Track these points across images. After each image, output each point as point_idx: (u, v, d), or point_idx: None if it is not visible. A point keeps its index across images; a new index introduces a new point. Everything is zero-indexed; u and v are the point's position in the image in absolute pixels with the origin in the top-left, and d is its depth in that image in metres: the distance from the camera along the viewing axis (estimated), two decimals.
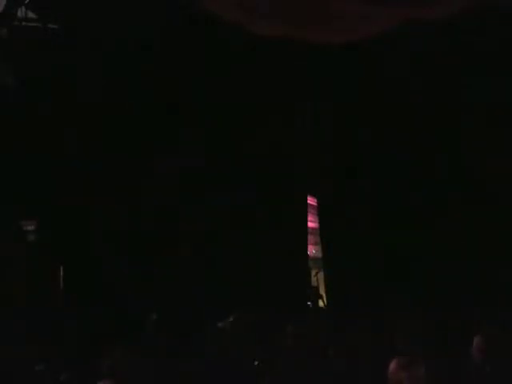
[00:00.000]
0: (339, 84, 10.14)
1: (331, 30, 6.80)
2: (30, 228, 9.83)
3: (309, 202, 11.40)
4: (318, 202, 11.35)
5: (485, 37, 9.26)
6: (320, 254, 11.51)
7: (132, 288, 9.80)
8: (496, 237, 9.75)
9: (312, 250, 12.77)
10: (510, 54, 9.45)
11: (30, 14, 9.72)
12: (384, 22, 6.82)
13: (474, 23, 8.68)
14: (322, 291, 11.55)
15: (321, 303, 11.74)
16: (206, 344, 7.39)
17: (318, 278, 12.31)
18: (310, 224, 11.61)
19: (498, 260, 9.62)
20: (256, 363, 6.72)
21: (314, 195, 11.44)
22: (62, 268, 9.91)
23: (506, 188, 9.79)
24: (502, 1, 8.49)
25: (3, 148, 9.78)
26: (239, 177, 10.41)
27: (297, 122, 10.62)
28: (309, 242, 11.64)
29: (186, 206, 10.28)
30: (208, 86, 10.12)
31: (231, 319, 7.51)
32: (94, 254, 9.93)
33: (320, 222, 11.19)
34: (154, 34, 9.73)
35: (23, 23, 9.76)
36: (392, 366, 5.07)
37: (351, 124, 10.36)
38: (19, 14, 9.66)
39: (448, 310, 8.95)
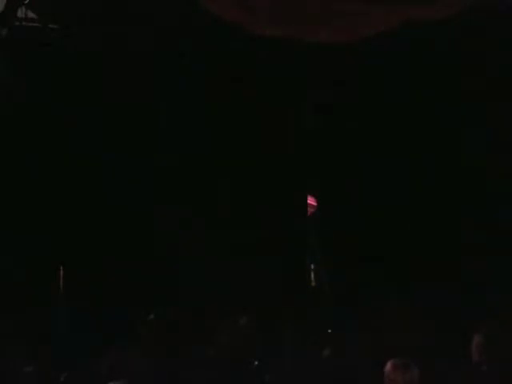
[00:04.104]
0: (339, 84, 10.14)
1: (331, 29, 6.81)
2: (30, 228, 9.82)
3: (309, 202, 11.40)
4: (317, 202, 11.35)
5: (485, 37, 9.26)
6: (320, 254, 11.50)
7: (132, 288, 9.80)
8: (495, 236, 9.77)
9: None
10: (510, 54, 9.45)
11: (30, 14, 9.71)
12: (384, 21, 6.82)
13: (473, 23, 8.69)
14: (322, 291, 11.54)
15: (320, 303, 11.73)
16: (206, 344, 7.39)
17: (318, 278, 12.29)
18: None
19: (498, 259, 9.64)
20: (256, 363, 6.72)
21: (313, 195, 11.43)
22: (61, 268, 9.91)
23: (504, 188, 9.80)
24: (502, 1, 8.49)
25: (3, 148, 9.77)
26: (239, 176, 10.41)
27: (296, 122, 10.62)
28: None
29: (185, 206, 10.28)
30: (208, 85, 10.12)
31: (231, 319, 7.51)
32: (95, 253, 9.93)
33: (320, 222, 11.19)
34: (154, 33, 9.73)
35: (23, 23, 9.75)
36: (387, 366, 5.08)
37: (352, 124, 10.36)
38: (19, 13, 9.65)
39: (448, 310, 8.96)
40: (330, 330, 9.64)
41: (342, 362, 6.88)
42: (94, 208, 9.98)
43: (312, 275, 12.02)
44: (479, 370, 5.79)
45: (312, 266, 12.03)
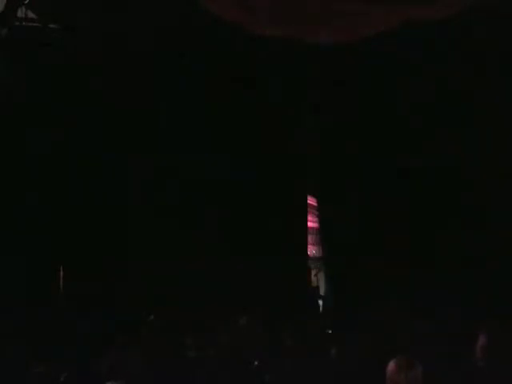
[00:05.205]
0: (339, 84, 10.14)
1: (331, 30, 6.80)
2: (30, 228, 9.82)
3: (309, 202, 11.41)
4: (317, 202, 11.36)
5: (485, 37, 9.26)
6: (320, 254, 11.52)
7: (132, 288, 9.81)
8: (495, 235, 9.77)
9: (312, 250, 12.78)
10: (510, 54, 9.45)
11: (30, 14, 9.71)
12: (384, 22, 6.82)
13: (473, 23, 8.69)
14: (322, 291, 11.56)
15: (321, 303, 11.75)
16: (206, 344, 7.38)
17: (318, 278, 12.33)
18: (309, 224, 11.61)
19: (499, 259, 9.64)
20: (256, 363, 6.71)
21: (313, 195, 11.44)
22: (61, 268, 9.92)
23: (504, 188, 9.81)
24: (502, 1, 8.49)
25: (3, 147, 9.77)
26: (239, 176, 10.41)
27: (296, 122, 10.62)
28: (309, 242, 11.64)
29: (185, 206, 10.28)
30: (208, 85, 10.13)
31: (231, 319, 7.51)
32: (95, 253, 9.93)
33: (320, 222, 11.20)
34: (154, 33, 9.73)
35: (23, 23, 9.75)
36: (390, 366, 5.07)
37: (352, 124, 10.36)
38: (19, 13, 9.65)
39: (448, 310, 8.95)
40: (329, 330, 9.64)
41: (342, 361, 6.87)
42: (94, 208, 9.98)
43: (312, 275, 12.05)
44: (481, 370, 5.78)
45: (312, 267, 12.07)
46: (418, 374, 5.03)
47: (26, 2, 9.49)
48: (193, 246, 10.15)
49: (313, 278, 12.10)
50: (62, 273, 9.93)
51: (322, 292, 11.66)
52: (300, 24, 6.74)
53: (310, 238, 11.75)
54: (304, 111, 10.61)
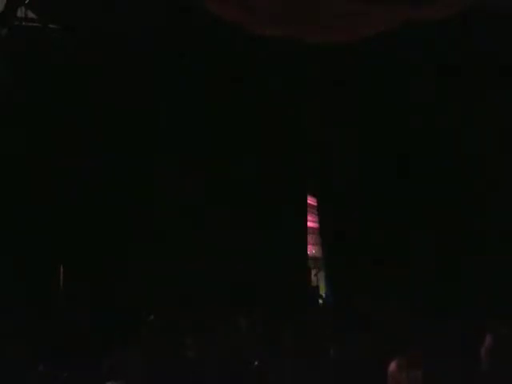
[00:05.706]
0: (339, 84, 10.14)
1: (331, 30, 6.81)
2: (30, 228, 9.82)
3: (309, 202, 11.41)
4: (317, 202, 11.36)
5: (484, 37, 9.26)
6: (320, 254, 11.51)
7: (132, 288, 9.80)
8: (495, 235, 9.78)
9: (312, 250, 12.78)
10: (510, 54, 9.46)
11: (30, 14, 9.71)
12: (384, 22, 6.83)
13: (473, 23, 8.70)
14: (322, 291, 11.56)
15: (321, 303, 11.76)
16: (207, 344, 7.39)
17: (318, 278, 12.32)
18: (309, 224, 11.61)
19: (502, 258, 9.65)
20: (256, 363, 6.72)
21: (313, 195, 11.45)
22: (61, 268, 9.91)
23: (505, 188, 9.82)
24: (503, 1, 8.50)
25: (3, 147, 9.77)
26: (239, 177, 10.41)
27: (296, 122, 10.63)
28: (309, 242, 11.64)
29: (184, 206, 10.28)
30: (208, 85, 10.13)
31: (231, 319, 7.52)
32: (95, 253, 9.94)
33: (320, 222, 11.20)
34: (154, 33, 9.73)
35: (23, 23, 9.75)
36: (392, 366, 5.08)
37: (352, 124, 10.37)
38: (19, 13, 9.65)
39: (449, 311, 8.96)
40: (329, 330, 9.64)
41: (343, 361, 6.88)
42: (94, 208, 9.98)
43: (312, 275, 12.05)
44: (486, 370, 5.79)
45: (312, 266, 12.07)
46: (420, 374, 5.04)
47: (26, 2, 9.49)
48: (193, 246, 10.15)
49: (313, 277, 12.09)
50: (61, 272, 9.93)
51: (321, 292, 11.65)
52: (300, 24, 6.74)
53: (309, 238, 11.74)
54: (304, 111, 10.61)
